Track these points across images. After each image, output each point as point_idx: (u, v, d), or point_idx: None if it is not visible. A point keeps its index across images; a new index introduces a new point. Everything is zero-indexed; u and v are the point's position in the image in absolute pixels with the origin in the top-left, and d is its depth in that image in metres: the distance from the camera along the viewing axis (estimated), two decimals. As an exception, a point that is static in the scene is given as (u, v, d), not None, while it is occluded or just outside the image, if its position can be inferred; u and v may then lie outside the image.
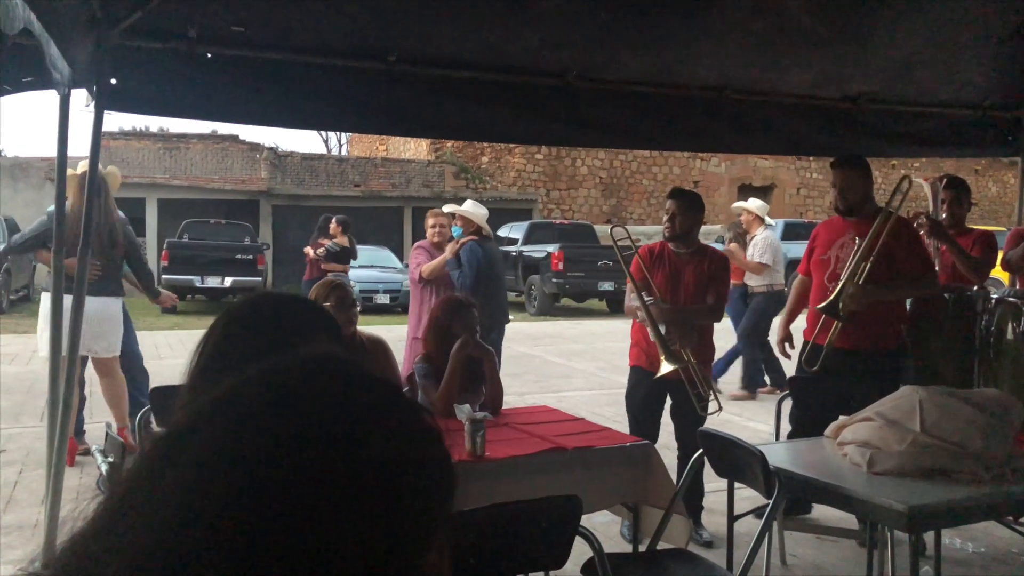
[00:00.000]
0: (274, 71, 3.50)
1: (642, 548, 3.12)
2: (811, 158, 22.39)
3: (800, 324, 4.26)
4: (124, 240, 5.05)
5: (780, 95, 4.47)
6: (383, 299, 14.85)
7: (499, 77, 3.89)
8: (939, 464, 2.54)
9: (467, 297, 3.99)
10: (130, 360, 5.29)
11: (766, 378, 7.37)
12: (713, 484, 3.77)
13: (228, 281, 14.50)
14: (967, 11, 4.09)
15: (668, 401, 4.03)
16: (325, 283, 3.60)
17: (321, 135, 39.66)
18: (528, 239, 16.23)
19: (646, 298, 3.85)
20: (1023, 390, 3.62)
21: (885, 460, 2.59)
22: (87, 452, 4.98)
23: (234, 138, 21.75)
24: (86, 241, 3.20)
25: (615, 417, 6.11)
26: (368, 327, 4.14)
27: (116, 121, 42.33)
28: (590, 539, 2.35)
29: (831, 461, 2.80)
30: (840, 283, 3.79)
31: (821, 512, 4.09)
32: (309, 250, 9.66)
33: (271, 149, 21.49)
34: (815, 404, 3.79)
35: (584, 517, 2.32)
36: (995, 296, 4.04)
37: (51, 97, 2.95)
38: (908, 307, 4.21)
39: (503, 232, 17.19)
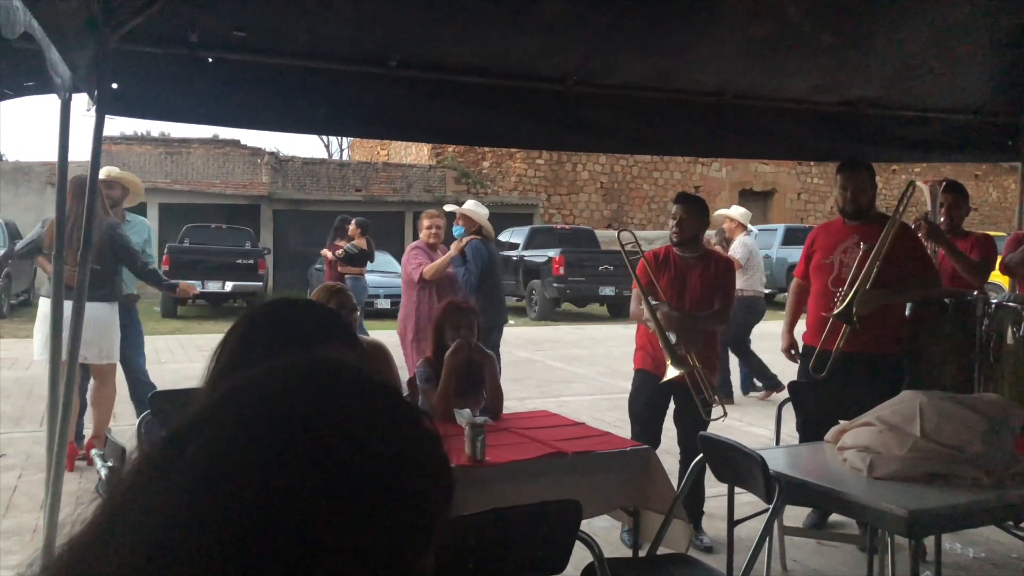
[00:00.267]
0: (275, 76, 3.50)
1: (642, 553, 3.11)
2: (812, 163, 22.42)
3: (798, 328, 4.26)
4: (108, 243, 4.86)
5: (781, 100, 4.48)
6: (384, 304, 14.85)
7: (500, 82, 3.90)
8: (939, 469, 2.53)
9: (466, 301, 3.99)
10: (129, 373, 5.25)
11: (756, 381, 7.41)
12: (714, 489, 3.77)
13: (229, 286, 14.50)
14: (967, 17, 4.10)
15: (671, 406, 4.03)
16: (326, 287, 3.60)
17: (322, 140, 39.76)
18: (529, 244, 16.24)
19: (653, 303, 3.85)
20: (1023, 395, 3.62)
21: (885, 465, 2.58)
22: (85, 457, 4.98)
23: (235, 143, 21.78)
24: (85, 246, 3.20)
25: (616, 422, 6.10)
26: (370, 331, 4.14)
27: (117, 126, 42.41)
28: (590, 544, 2.35)
29: (831, 466, 2.80)
30: (853, 288, 3.78)
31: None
32: (327, 252, 9.63)
33: (272, 154, 21.51)
34: (815, 409, 3.79)
35: (584, 522, 2.32)
36: (995, 301, 4.04)
37: (52, 102, 2.96)
38: (908, 312, 4.21)
39: (504, 237, 17.19)
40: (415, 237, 6.42)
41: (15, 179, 17.82)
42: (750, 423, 6.47)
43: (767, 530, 2.58)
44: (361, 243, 9.60)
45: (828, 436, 2.99)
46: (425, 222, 5.72)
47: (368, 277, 9.59)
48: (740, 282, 7.01)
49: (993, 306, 3.99)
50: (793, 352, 4.25)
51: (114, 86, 3.13)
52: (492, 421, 3.35)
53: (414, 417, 0.63)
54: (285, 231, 19.58)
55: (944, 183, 4.57)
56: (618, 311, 15.30)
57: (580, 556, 2.37)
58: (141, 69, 3.22)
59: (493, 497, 2.43)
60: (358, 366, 0.67)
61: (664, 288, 3.91)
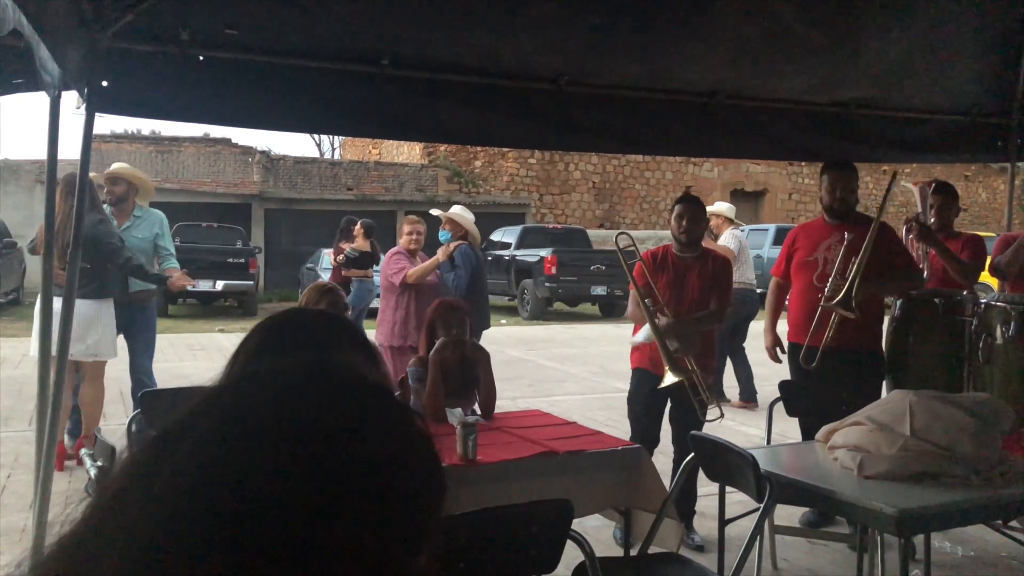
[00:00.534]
0: (267, 74, 3.49)
1: (634, 552, 3.12)
2: (803, 163, 22.48)
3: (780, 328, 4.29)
4: (92, 240, 4.66)
5: (772, 100, 4.49)
6: (375, 303, 14.82)
7: (492, 81, 3.89)
8: (929, 468, 2.55)
9: (456, 300, 3.99)
10: (132, 372, 5.22)
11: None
12: (705, 488, 3.78)
13: (220, 285, 14.43)
14: (957, 18, 4.13)
15: (667, 404, 4.04)
16: (317, 287, 3.59)
17: (314, 139, 39.66)
18: (521, 243, 16.24)
19: (650, 306, 3.86)
20: (1012, 394, 3.65)
21: (875, 464, 2.60)
22: (74, 457, 4.95)
23: (226, 141, 21.71)
24: (75, 244, 3.18)
25: (607, 421, 6.11)
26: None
27: (107, 124, 42.18)
28: (581, 543, 2.35)
29: (822, 465, 2.81)
30: (849, 277, 3.85)
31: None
32: (331, 255, 9.75)
33: (264, 152, 21.45)
34: (807, 407, 3.81)
35: (576, 521, 2.32)
36: (984, 301, 4.07)
37: (42, 99, 2.93)
38: (898, 311, 4.24)
39: (496, 236, 17.19)
40: (407, 237, 6.37)
41: (4, 177, 17.71)
42: (742, 423, 6.49)
43: (758, 529, 2.59)
44: (364, 245, 9.61)
45: (819, 435, 3.01)
46: (406, 228, 5.66)
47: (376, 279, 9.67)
48: (735, 272, 7.00)
49: (983, 306, 4.01)
50: (778, 350, 4.29)
51: (104, 84, 3.11)
52: (484, 420, 3.35)
53: (406, 417, 0.63)
54: (276, 230, 19.52)
55: (934, 184, 4.59)
56: (610, 310, 15.32)
57: (571, 555, 2.37)
58: (131, 67, 3.20)
59: (485, 496, 2.44)
60: (350, 367, 0.67)
61: (662, 290, 3.92)
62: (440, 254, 5.44)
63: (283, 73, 3.52)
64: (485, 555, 2.11)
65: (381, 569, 0.55)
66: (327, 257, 15.88)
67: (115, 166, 5.38)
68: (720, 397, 6.93)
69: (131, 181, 5.30)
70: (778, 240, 16.68)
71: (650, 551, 2.94)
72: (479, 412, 3.51)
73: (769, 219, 22.44)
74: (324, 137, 38.32)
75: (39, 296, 4.93)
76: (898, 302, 4.26)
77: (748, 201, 23.88)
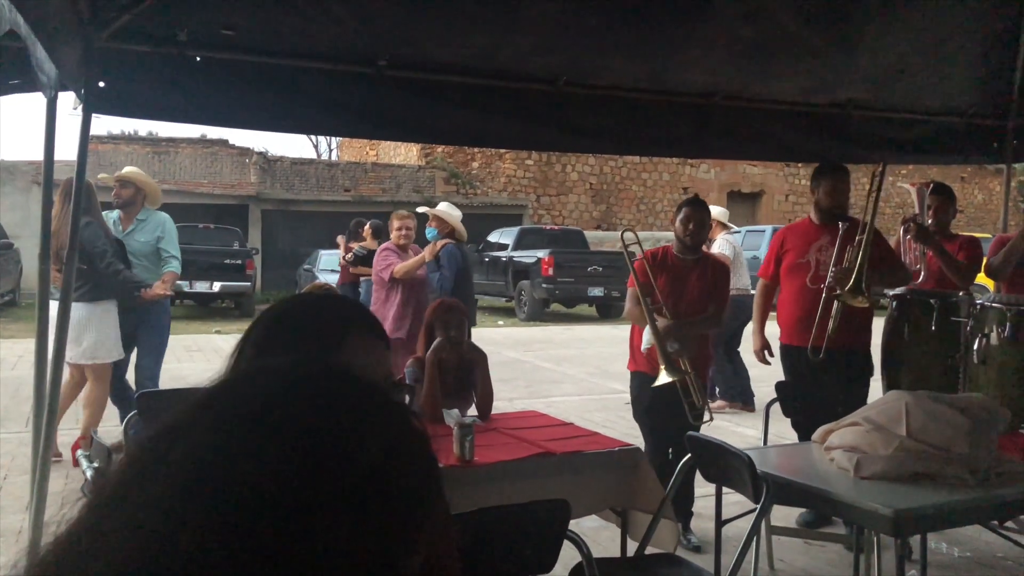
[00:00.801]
0: (264, 75, 3.49)
1: (631, 553, 3.12)
2: (800, 165, 22.52)
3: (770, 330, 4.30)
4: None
5: (769, 102, 4.50)
6: (372, 304, 14.80)
7: (489, 82, 3.89)
8: (925, 468, 2.55)
9: (454, 301, 3.99)
10: (136, 373, 5.22)
11: (717, 389, 7.21)
12: (702, 489, 3.78)
13: (217, 286, 14.42)
14: (953, 20, 4.14)
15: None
16: (313, 288, 3.59)
17: (311, 139, 39.64)
18: (518, 245, 16.25)
19: (651, 306, 3.87)
20: (1008, 395, 3.66)
21: (871, 464, 2.60)
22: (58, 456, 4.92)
23: (223, 142, 21.67)
24: (72, 247, 3.17)
25: (604, 422, 6.12)
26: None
27: (104, 125, 42.13)
28: (579, 543, 2.35)
29: (818, 466, 2.81)
30: (856, 266, 3.90)
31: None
32: (340, 255, 9.80)
33: (261, 153, 21.43)
34: (803, 408, 3.82)
35: (573, 522, 2.32)
36: (980, 302, 4.08)
37: (38, 100, 2.93)
38: (894, 311, 4.25)
39: (493, 237, 17.20)
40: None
41: (0, 178, 17.68)
42: (738, 423, 6.50)
43: (754, 530, 2.59)
44: (372, 245, 9.65)
45: (815, 436, 3.01)
46: (395, 223, 5.75)
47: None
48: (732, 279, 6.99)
49: (979, 307, 4.02)
50: (766, 353, 4.30)
51: (101, 84, 3.11)
52: (481, 421, 3.36)
53: (402, 416, 0.63)
54: (273, 231, 19.50)
55: (932, 185, 4.60)
56: (607, 312, 15.32)
57: (569, 556, 2.37)
58: (128, 67, 3.20)
59: (482, 497, 2.43)
60: (346, 366, 0.67)
61: (661, 289, 3.92)
62: (427, 252, 5.51)
63: (280, 74, 3.52)
64: (482, 555, 2.11)
65: (376, 568, 0.55)
66: (324, 258, 15.89)
67: (126, 169, 5.50)
68: (720, 399, 6.96)
69: (139, 185, 5.38)
70: (775, 241, 16.69)
71: (647, 552, 2.94)
72: (476, 413, 3.51)
73: (766, 220, 22.46)
74: (321, 138, 38.34)
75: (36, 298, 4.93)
76: (894, 303, 4.28)
77: (745, 202, 23.91)
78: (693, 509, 4.02)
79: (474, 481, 2.74)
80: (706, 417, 3.91)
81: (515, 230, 17.18)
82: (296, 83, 3.55)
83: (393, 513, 0.57)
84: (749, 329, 7.12)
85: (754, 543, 3.06)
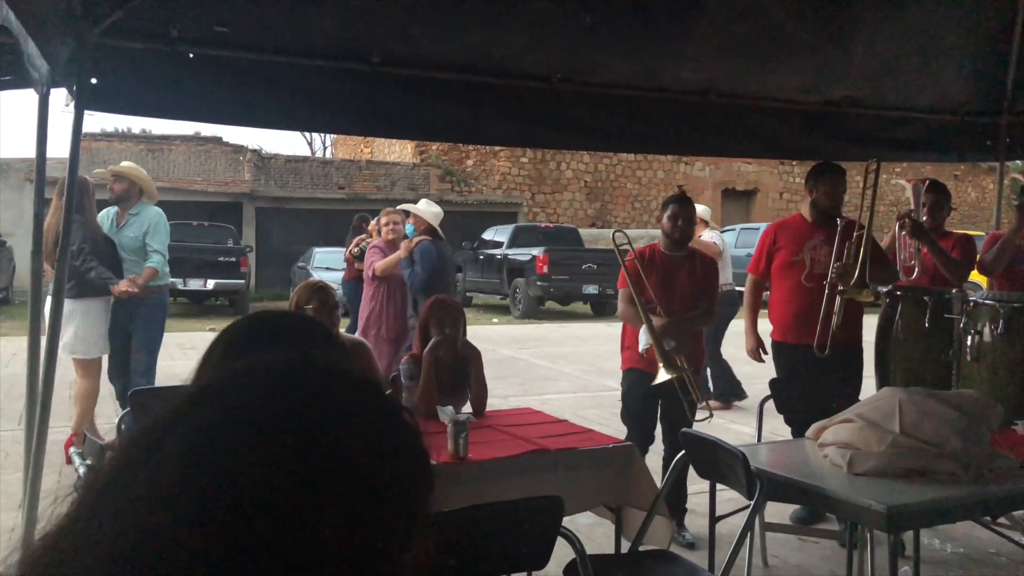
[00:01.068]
0: (257, 72, 3.48)
1: (625, 549, 3.12)
2: (794, 162, 22.56)
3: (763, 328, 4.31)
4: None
5: (764, 99, 4.51)
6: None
7: (484, 79, 3.89)
8: (918, 465, 2.56)
9: (450, 298, 3.99)
10: (131, 371, 5.22)
11: (711, 386, 7.16)
12: (696, 486, 3.78)
13: (211, 284, 14.38)
14: (946, 18, 4.15)
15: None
16: (307, 285, 3.58)
17: (305, 137, 39.54)
18: (513, 242, 16.25)
19: (644, 304, 3.87)
20: (1001, 391, 3.67)
21: (865, 461, 2.61)
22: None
23: (217, 140, 21.61)
24: (64, 245, 3.16)
25: (599, 419, 6.12)
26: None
27: (97, 122, 41.96)
28: (572, 540, 2.35)
29: (812, 462, 2.82)
30: (858, 261, 3.94)
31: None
32: (346, 251, 9.77)
33: (255, 151, 21.36)
34: (797, 405, 3.83)
35: (567, 519, 2.32)
36: (974, 299, 4.09)
37: (30, 96, 2.92)
38: (887, 308, 4.27)
39: (488, 235, 17.20)
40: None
41: (-7, 175, 17.60)
42: (732, 420, 6.51)
43: (748, 526, 2.59)
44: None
45: (809, 432, 3.02)
46: (382, 219, 5.91)
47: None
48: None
49: (972, 304, 4.03)
50: (761, 351, 4.30)
51: (93, 81, 3.09)
52: (475, 418, 3.36)
53: (394, 412, 0.63)
54: (267, 229, 19.46)
55: (927, 182, 4.61)
56: (602, 309, 15.34)
57: (563, 552, 2.37)
58: (121, 64, 3.18)
59: (476, 494, 2.43)
60: (339, 361, 0.66)
61: (652, 287, 3.93)
62: (402, 249, 5.58)
63: (274, 71, 3.51)
64: (476, 551, 2.11)
65: (368, 563, 0.55)
66: (319, 256, 15.86)
67: (122, 164, 5.57)
68: (710, 396, 6.94)
69: (133, 180, 5.40)
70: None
71: (641, 548, 2.95)
72: (471, 410, 3.51)
73: (760, 218, 22.48)
74: (315, 135, 38.25)
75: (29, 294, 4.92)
76: (887, 299, 4.29)
77: (739, 200, 23.94)
78: (687, 506, 4.03)
79: (468, 478, 2.74)
80: (706, 415, 3.92)
81: (510, 228, 17.19)
82: (289, 80, 3.54)
83: (385, 507, 0.57)
84: (732, 326, 7.19)
85: (748, 539, 3.07)
